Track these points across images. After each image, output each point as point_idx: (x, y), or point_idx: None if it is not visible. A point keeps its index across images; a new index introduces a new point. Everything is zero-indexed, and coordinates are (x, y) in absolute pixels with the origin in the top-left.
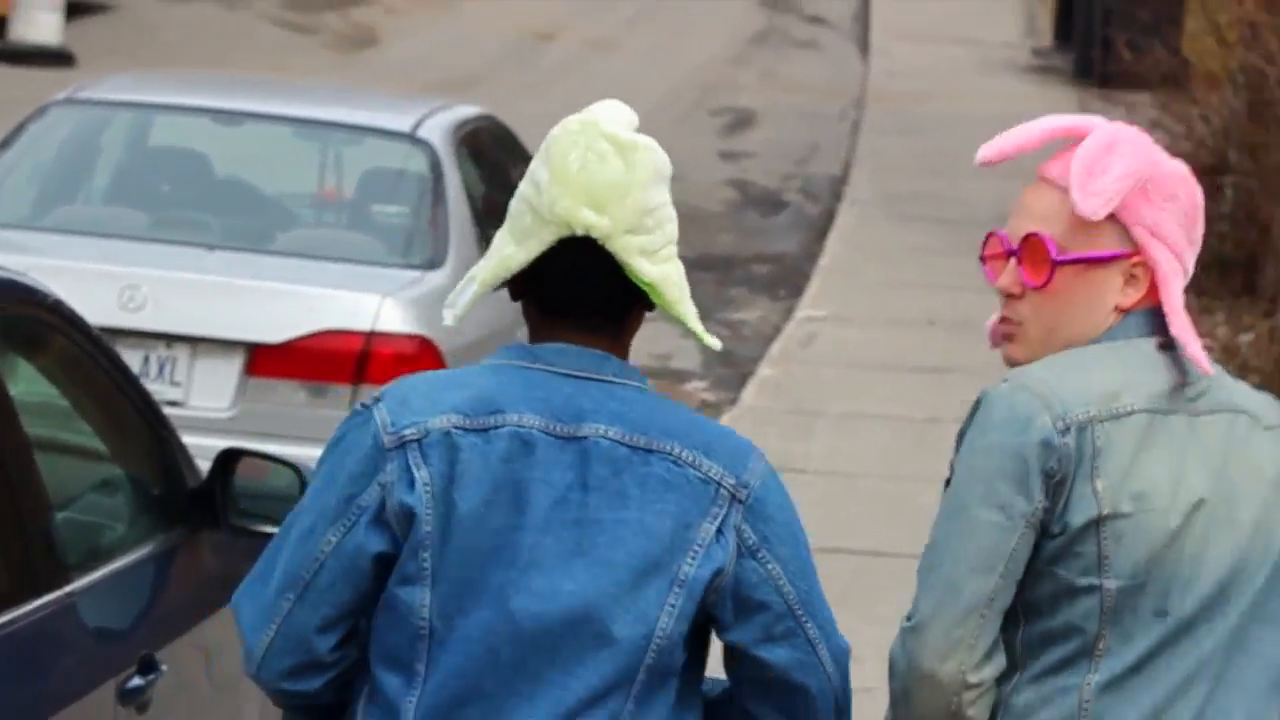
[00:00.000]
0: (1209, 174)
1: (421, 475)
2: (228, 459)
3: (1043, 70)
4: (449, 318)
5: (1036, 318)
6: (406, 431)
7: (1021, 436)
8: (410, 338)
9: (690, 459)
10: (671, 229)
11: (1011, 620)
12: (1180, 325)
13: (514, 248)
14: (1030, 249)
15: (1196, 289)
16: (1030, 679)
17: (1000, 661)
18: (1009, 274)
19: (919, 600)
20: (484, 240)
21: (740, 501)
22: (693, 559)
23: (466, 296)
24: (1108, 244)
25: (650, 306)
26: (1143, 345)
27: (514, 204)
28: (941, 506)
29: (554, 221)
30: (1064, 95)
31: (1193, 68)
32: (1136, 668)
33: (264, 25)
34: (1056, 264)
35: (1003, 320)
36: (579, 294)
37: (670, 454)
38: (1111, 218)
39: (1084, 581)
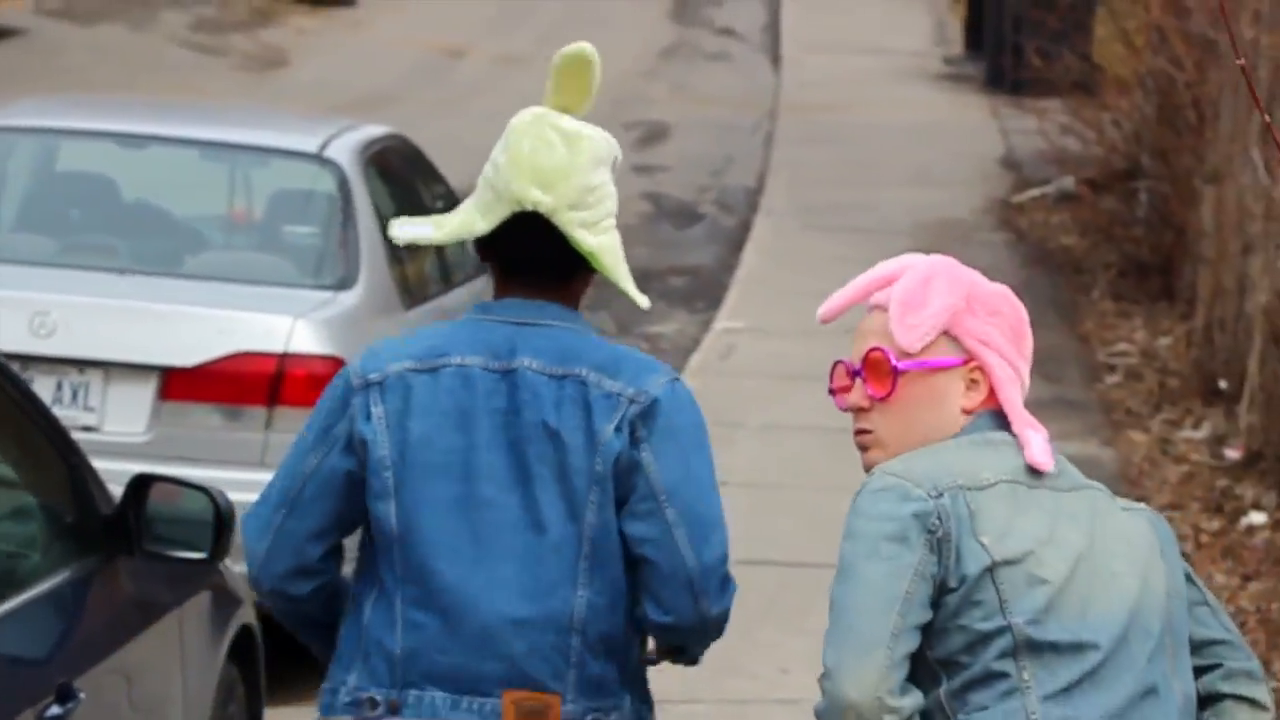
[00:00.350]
0: (1122, 179)
1: (377, 410)
2: (140, 485)
3: (954, 78)
4: (395, 231)
5: (887, 425)
6: (370, 375)
7: (898, 506)
8: (324, 358)
9: (595, 380)
10: (611, 205)
11: (932, 679)
12: (1021, 424)
13: (478, 218)
14: (872, 364)
15: (1114, 294)
16: None
17: (918, 697)
18: (856, 392)
19: (825, 651)
20: (395, 259)
21: (636, 403)
22: (601, 460)
23: (418, 233)
24: (943, 354)
25: (589, 268)
26: (995, 437)
27: (480, 181)
28: (834, 576)
29: (508, 198)
30: (975, 103)
31: (1103, 74)
32: (1068, 690)
33: (172, 47)
34: (898, 372)
35: (858, 433)
36: (529, 258)
37: (580, 377)
38: (944, 333)
39: (991, 625)
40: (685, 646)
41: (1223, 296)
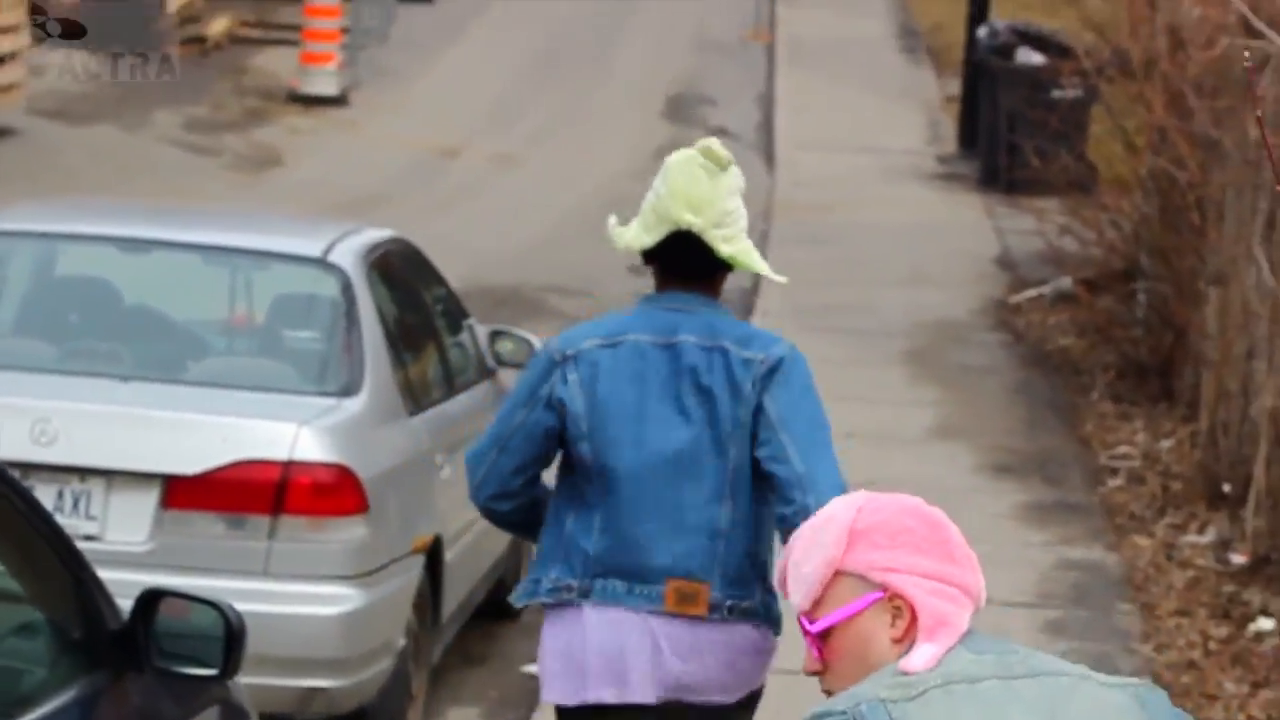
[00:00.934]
0: (1120, 279)
1: (573, 377)
2: (149, 600)
3: (948, 177)
4: (613, 232)
5: (837, 682)
6: (567, 351)
7: None
8: (329, 466)
9: (735, 350)
10: (743, 223)
11: None
12: (926, 635)
13: (644, 234)
14: (804, 633)
15: (1113, 395)
16: None
17: None
18: (806, 658)
19: None
20: (399, 364)
21: (765, 364)
22: (743, 408)
23: (618, 238)
24: (852, 597)
25: (730, 269)
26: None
27: (645, 205)
28: None
29: (668, 220)
30: (970, 201)
31: (1099, 174)
32: None
33: (165, 147)
34: (810, 635)
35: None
36: (684, 264)
37: (724, 348)
38: (847, 576)
39: None
40: None
41: (1226, 400)
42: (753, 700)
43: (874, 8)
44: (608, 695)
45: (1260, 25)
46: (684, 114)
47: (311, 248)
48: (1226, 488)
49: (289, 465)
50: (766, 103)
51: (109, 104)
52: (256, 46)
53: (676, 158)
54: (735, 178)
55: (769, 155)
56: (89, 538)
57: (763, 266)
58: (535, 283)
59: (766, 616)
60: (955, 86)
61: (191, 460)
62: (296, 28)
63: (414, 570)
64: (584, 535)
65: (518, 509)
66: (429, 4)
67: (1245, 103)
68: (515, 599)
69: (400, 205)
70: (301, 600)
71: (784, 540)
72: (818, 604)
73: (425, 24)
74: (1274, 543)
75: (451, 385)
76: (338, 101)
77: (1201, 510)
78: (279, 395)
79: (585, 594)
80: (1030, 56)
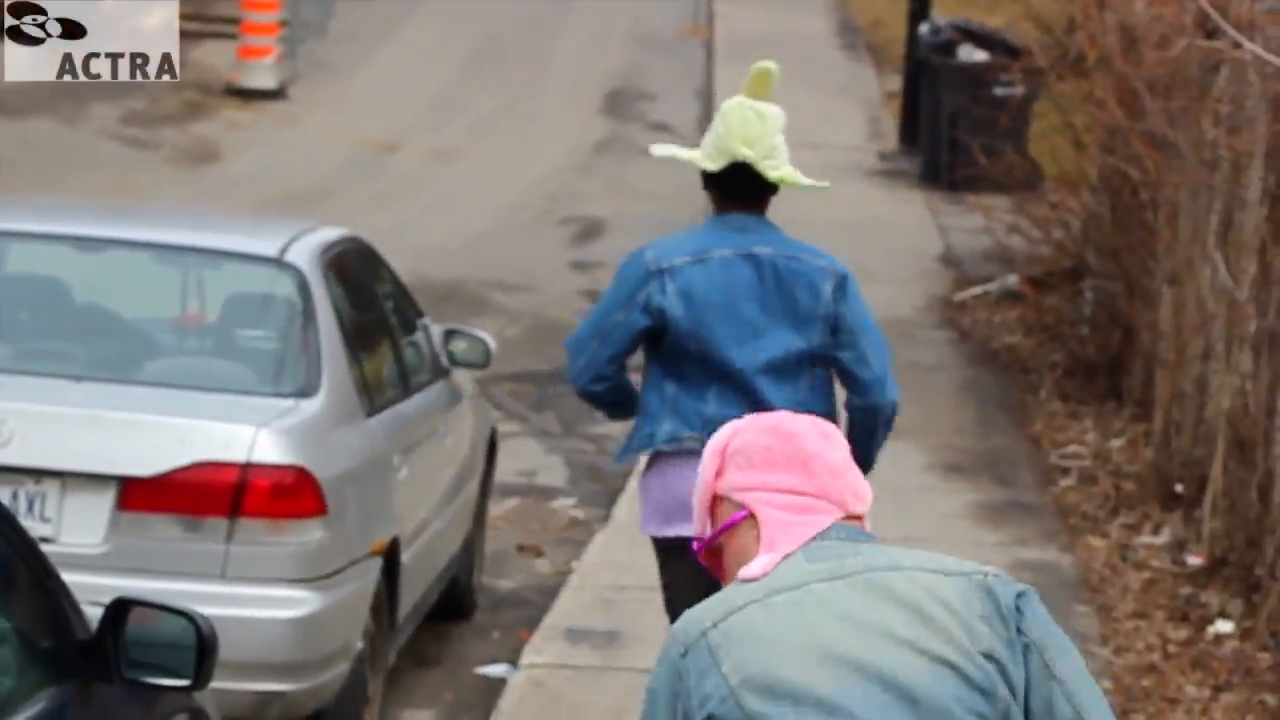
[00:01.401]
0: (1067, 278)
1: (670, 288)
2: (118, 609)
3: (889, 174)
4: (656, 150)
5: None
6: (663, 264)
7: (657, 670)
8: (287, 468)
9: (807, 258)
10: (785, 153)
11: None
12: (766, 546)
13: (708, 162)
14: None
15: (1061, 394)
16: None
17: None
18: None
19: None
20: (356, 364)
21: (836, 274)
22: (822, 307)
23: (673, 152)
24: (722, 519)
25: (775, 191)
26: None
27: (705, 139)
28: None
29: (727, 153)
30: (911, 198)
31: (1043, 171)
32: None
33: (104, 141)
34: (700, 554)
35: None
36: (742, 189)
37: (795, 256)
38: (720, 499)
39: None
40: (873, 431)
41: (1180, 400)
42: None
43: (813, 4)
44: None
45: (1222, 23)
46: (622, 109)
47: (267, 247)
48: (1179, 488)
49: (247, 467)
50: (705, 98)
51: (45, 97)
52: (194, 40)
53: (732, 103)
54: (779, 119)
55: None
56: (44, 540)
57: (806, 181)
58: (477, 278)
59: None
60: (895, 83)
61: (148, 462)
62: (234, 20)
63: (371, 573)
64: (695, 400)
65: (610, 389)
66: None
67: (1200, 103)
68: (626, 451)
69: (340, 200)
70: (259, 603)
71: (850, 426)
72: (707, 529)
73: (364, 18)
74: (1231, 544)
75: (407, 385)
76: (276, 95)
77: (1155, 511)
78: (236, 396)
79: (701, 444)
80: (972, 54)
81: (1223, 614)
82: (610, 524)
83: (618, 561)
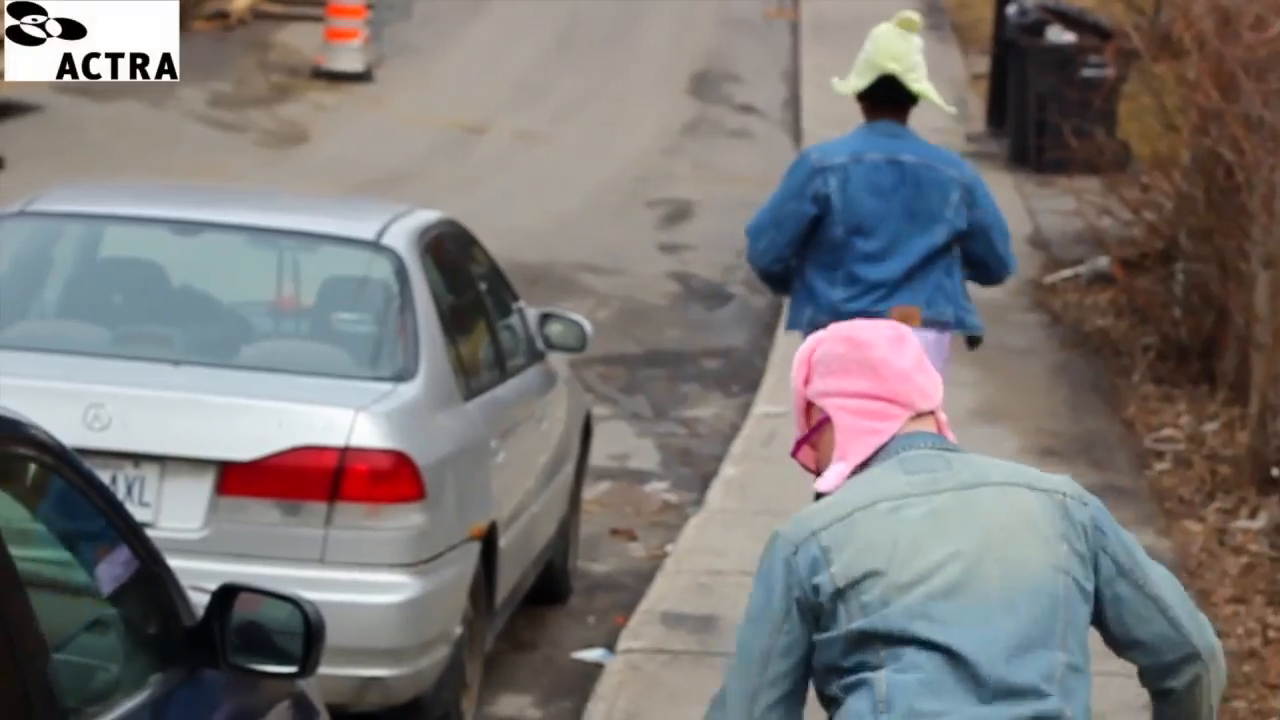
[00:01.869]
0: (1160, 260)
1: (833, 182)
2: (225, 595)
3: (977, 156)
4: (837, 85)
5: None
6: (826, 162)
7: (770, 557)
8: (386, 453)
9: (941, 166)
10: (924, 70)
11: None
12: (838, 457)
13: (859, 80)
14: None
15: (1154, 377)
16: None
17: None
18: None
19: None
20: (453, 348)
21: (964, 181)
22: (951, 207)
23: (835, 86)
24: (813, 422)
25: (916, 102)
26: (875, 471)
27: (857, 62)
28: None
29: (877, 68)
30: (999, 180)
31: (1132, 152)
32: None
33: (190, 123)
34: (797, 451)
35: None
36: (889, 98)
37: (932, 164)
38: (810, 405)
39: (838, 632)
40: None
41: (1277, 383)
42: None
43: None
44: None
45: None
46: (709, 91)
47: (365, 230)
48: (1276, 472)
49: (346, 451)
50: (792, 80)
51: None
52: (280, 22)
53: (882, 28)
54: (919, 43)
55: (795, 132)
56: (143, 525)
57: (939, 99)
58: (567, 260)
59: (954, 325)
60: (982, 64)
61: (246, 446)
62: (321, 3)
63: (470, 557)
64: (829, 287)
65: (784, 270)
66: None
67: None
68: (791, 327)
69: (426, 182)
70: (358, 589)
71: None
72: (804, 430)
73: (449, 1)
74: None
75: (504, 369)
76: (363, 78)
77: (1251, 495)
78: (334, 380)
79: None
80: (1061, 35)
81: None
82: (704, 508)
83: (712, 546)
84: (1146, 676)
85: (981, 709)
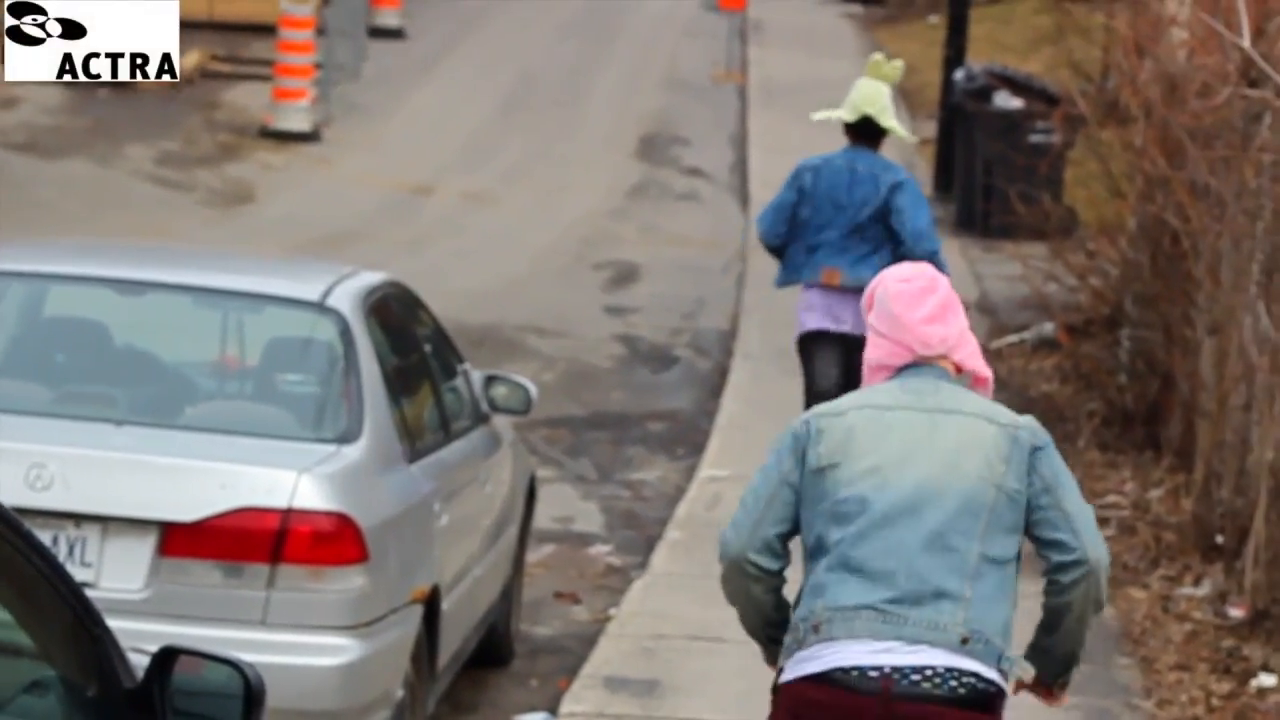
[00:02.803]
0: (1105, 326)
1: (807, 178)
2: (165, 657)
3: None
4: (829, 114)
5: None
6: (807, 165)
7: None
8: (329, 515)
9: (880, 171)
10: (892, 110)
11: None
12: (866, 377)
13: (847, 115)
14: None
15: (1099, 443)
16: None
17: (776, 560)
18: None
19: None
20: (398, 410)
21: (894, 180)
22: (880, 199)
23: (826, 115)
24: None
25: (885, 134)
26: (880, 386)
27: (845, 103)
28: None
29: (857, 109)
30: (946, 245)
31: (1079, 218)
32: (859, 536)
33: (138, 182)
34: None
35: None
36: (864, 131)
37: (878, 174)
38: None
39: (815, 509)
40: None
41: (1222, 450)
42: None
43: (845, 49)
44: (830, 325)
45: (1268, 70)
46: (656, 154)
47: (309, 291)
48: (1221, 539)
49: (289, 513)
50: (739, 143)
51: (81, 137)
52: (228, 81)
53: (861, 80)
54: (888, 91)
55: (743, 196)
56: (84, 585)
57: (903, 132)
58: (513, 322)
59: None
60: (930, 129)
61: (189, 507)
62: (269, 63)
63: (412, 620)
64: (809, 254)
65: (781, 244)
66: (401, 40)
67: (1242, 152)
68: (779, 282)
69: (374, 243)
70: (300, 651)
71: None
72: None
73: (397, 61)
74: (1273, 597)
75: (448, 431)
76: (310, 138)
77: (1196, 562)
78: (277, 441)
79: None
80: (1008, 100)
81: (1266, 667)
82: (648, 571)
83: (656, 610)
84: (1048, 572)
85: (892, 593)
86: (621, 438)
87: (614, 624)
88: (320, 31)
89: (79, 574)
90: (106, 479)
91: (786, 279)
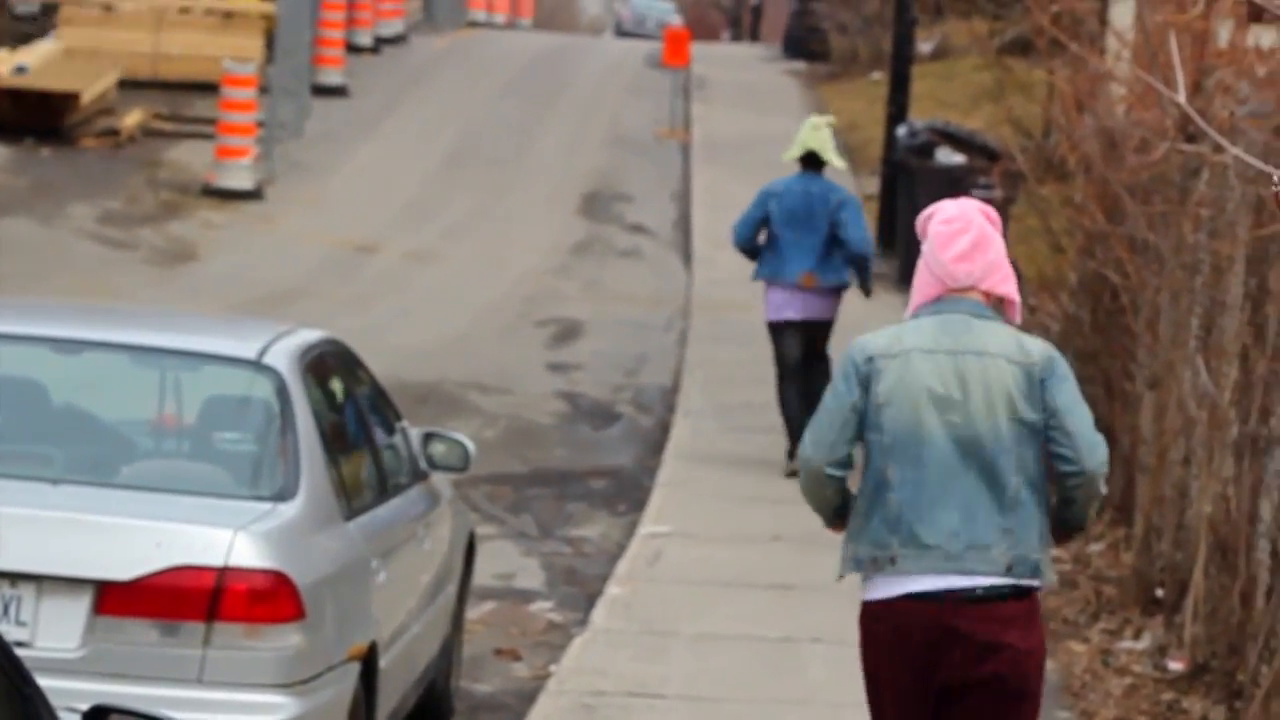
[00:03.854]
0: None
1: (771, 202)
2: (95, 716)
3: None
4: (785, 153)
5: None
6: (771, 190)
7: (847, 359)
8: (265, 573)
9: (828, 193)
10: (832, 146)
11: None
12: (911, 301)
13: (796, 151)
14: None
15: None
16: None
17: (845, 470)
18: None
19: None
20: (334, 467)
21: (840, 199)
22: (829, 215)
23: (789, 153)
24: None
25: (825, 163)
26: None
27: (794, 142)
28: None
29: (804, 147)
30: (889, 300)
31: (1020, 273)
32: (911, 467)
33: (81, 241)
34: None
35: None
36: (811, 161)
37: (824, 193)
38: None
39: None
40: (860, 268)
41: (1161, 505)
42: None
43: (788, 106)
44: (795, 315)
45: (1205, 127)
46: (600, 210)
47: (246, 349)
48: (1160, 593)
49: (225, 571)
50: (682, 200)
51: (22, 197)
52: (171, 140)
53: (807, 123)
54: (829, 129)
55: (686, 253)
56: (19, 644)
57: (839, 162)
58: (455, 379)
59: (841, 286)
60: (873, 185)
61: (125, 566)
62: (211, 121)
63: (349, 678)
64: (778, 255)
65: (754, 248)
66: (345, 97)
67: (1180, 207)
68: (757, 276)
69: (316, 301)
70: (236, 709)
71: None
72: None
73: (340, 119)
74: (1213, 650)
75: (386, 488)
76: (253, 196)
77: (1136, 616)
78: (213, 499)
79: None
80: (950, 156)
81: None
82: (588, 628)
83: (596, 667)
84: (1057, 477)
85: (951, 532)
86: (563, 494)
87: (554, 680)
88: (263, 89)
89: (14, 633)
90: (42, 537)
91: (766, 275)
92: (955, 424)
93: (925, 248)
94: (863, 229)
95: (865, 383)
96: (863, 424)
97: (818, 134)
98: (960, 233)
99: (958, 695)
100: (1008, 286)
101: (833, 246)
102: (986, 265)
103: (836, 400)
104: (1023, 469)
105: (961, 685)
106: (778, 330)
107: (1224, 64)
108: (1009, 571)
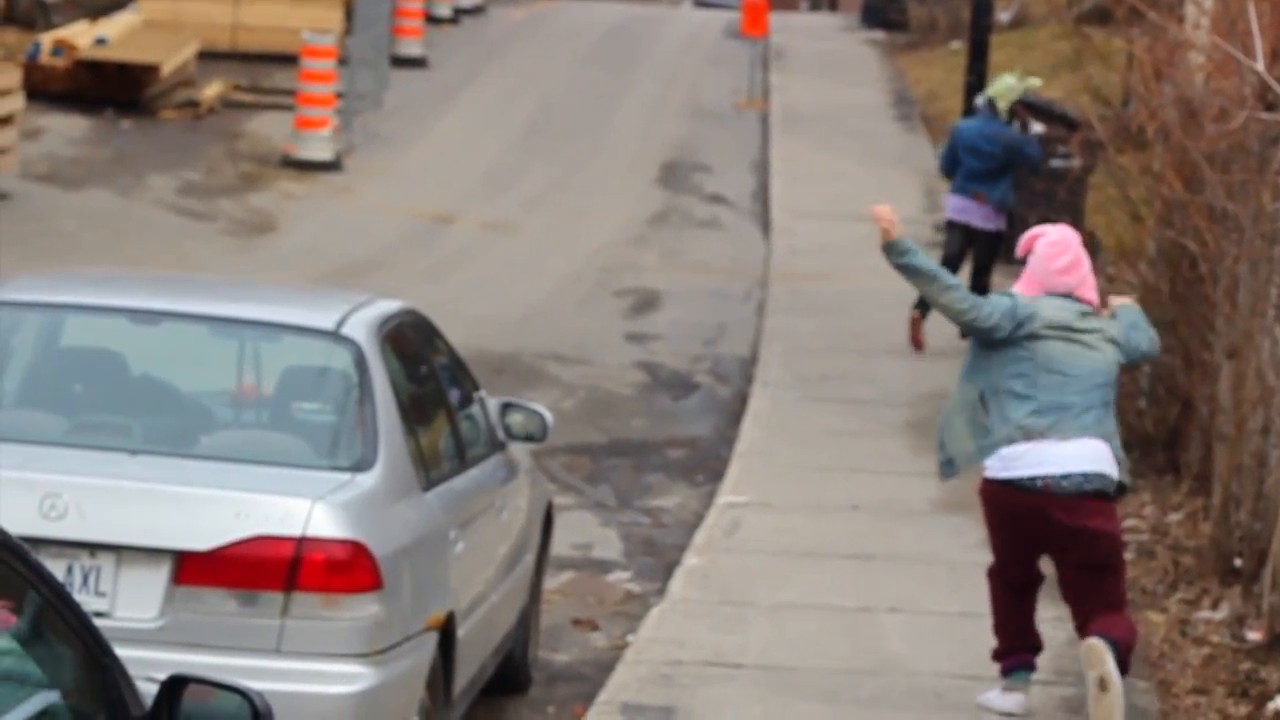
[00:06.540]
0: None
1: (958, 135)
2: (174, 686)
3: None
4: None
5: None
6: (960, 125)
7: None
8: (343, 543)
9: (997, 133)
10: (1011, 96)
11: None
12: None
13: (980, 98)
14: None
15: None
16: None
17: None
18: None
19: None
20: (412, 438)
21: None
22: (1000, 147)
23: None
24: None
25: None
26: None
27: (1001, 86)
28: None
29: (985, 95)
30: (967, 270)
31: (1100, 243)
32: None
33: (160, 212)
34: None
35: None
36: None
37: (992, 132)
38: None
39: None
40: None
41: (1240, 474)
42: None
43: (868, 76)
44: (964, 219)
45: None
46: (678, 181)
47: (324, 320)
48: (1239, 563)
49: (303, 541)
50: (761, 170)
51: (102, 168)
52: (250, 111)
53: (1002, 76)
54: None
55: (764, 223)
56: (98, 614)
57: (1004, 105)
58: (533, 350)
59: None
60: None
61: (203, 536)
62: (290, 92)
63: (427, 648)
64: (965, 182)
65: (951, 171)
66: (423, 69)
67: (1259, 176)
68: (953, 190)
69: (395, 272)
70: (315, 679)
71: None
72: None
73: (419, 90)
74: None
75: (463, 459)
76: (332, 167)
77: (1214, 586)
78: (292, 470)
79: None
80: (1030, 126)
81: None
82: (666, 598)
83: (673, 637)
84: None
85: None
86: (641, 464)
87: (631, 651)
88: (342, 61)
89: (93, 604)
90: (121, 508)
91: (955, 188)
92: (1077, 361)
93: (1032, 260)
94: (1024, 147)
95: (1018, 317)
96: (1004, 336)
97: (1004, 86)
98: (1062, 251)
99: None
100: (1093, 294)
101: (1006, 171)
102: (1081, 277)
103: (1000, 300)
104: (1109, 395)
105: None
106: (953, 227)
107: None
108: (1110, 444)
